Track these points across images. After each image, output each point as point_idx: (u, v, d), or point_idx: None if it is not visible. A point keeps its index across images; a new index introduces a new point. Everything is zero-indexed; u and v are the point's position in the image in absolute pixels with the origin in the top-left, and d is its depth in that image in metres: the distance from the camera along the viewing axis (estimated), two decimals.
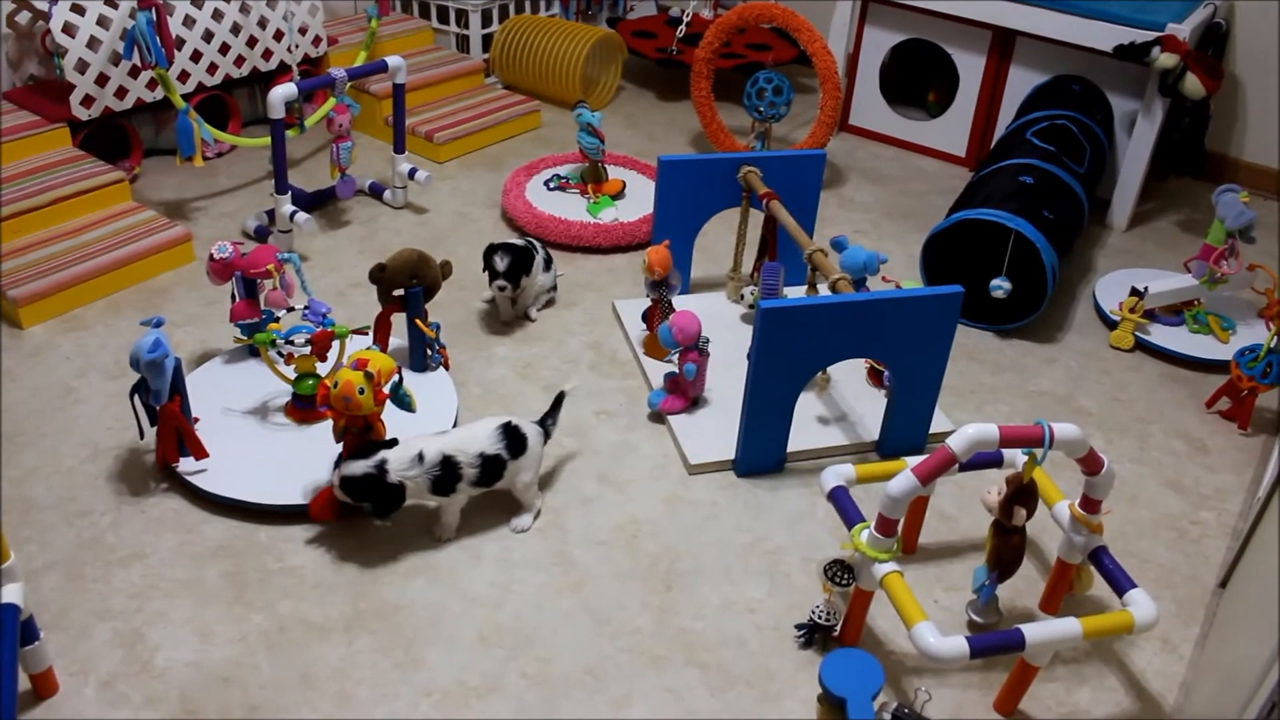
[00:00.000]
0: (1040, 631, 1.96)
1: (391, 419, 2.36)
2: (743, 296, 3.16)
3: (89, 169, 3.34)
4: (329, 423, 2.37)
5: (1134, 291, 3.24)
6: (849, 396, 2.85)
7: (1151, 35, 3.62)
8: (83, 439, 2.57)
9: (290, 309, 2.67)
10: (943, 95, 4.39)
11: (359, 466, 2.23)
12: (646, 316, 2.97)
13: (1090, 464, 2.04)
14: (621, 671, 2.11)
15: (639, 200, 3.63)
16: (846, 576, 2.12)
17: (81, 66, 3.36)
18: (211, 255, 2.61)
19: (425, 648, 2.13)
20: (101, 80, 3.43)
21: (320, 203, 3.60)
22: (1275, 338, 2.86)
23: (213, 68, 3.71)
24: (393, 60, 3.46)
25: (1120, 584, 2.11)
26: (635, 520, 2.46)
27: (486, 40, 4.64)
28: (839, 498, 2.20)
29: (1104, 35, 3.74)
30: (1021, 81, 4.08)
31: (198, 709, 1.98)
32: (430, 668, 2.09)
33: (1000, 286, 3.13)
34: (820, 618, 2.17)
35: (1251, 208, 3.12)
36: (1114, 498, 2.56)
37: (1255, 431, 2.94)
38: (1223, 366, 3.05)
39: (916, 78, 4.55)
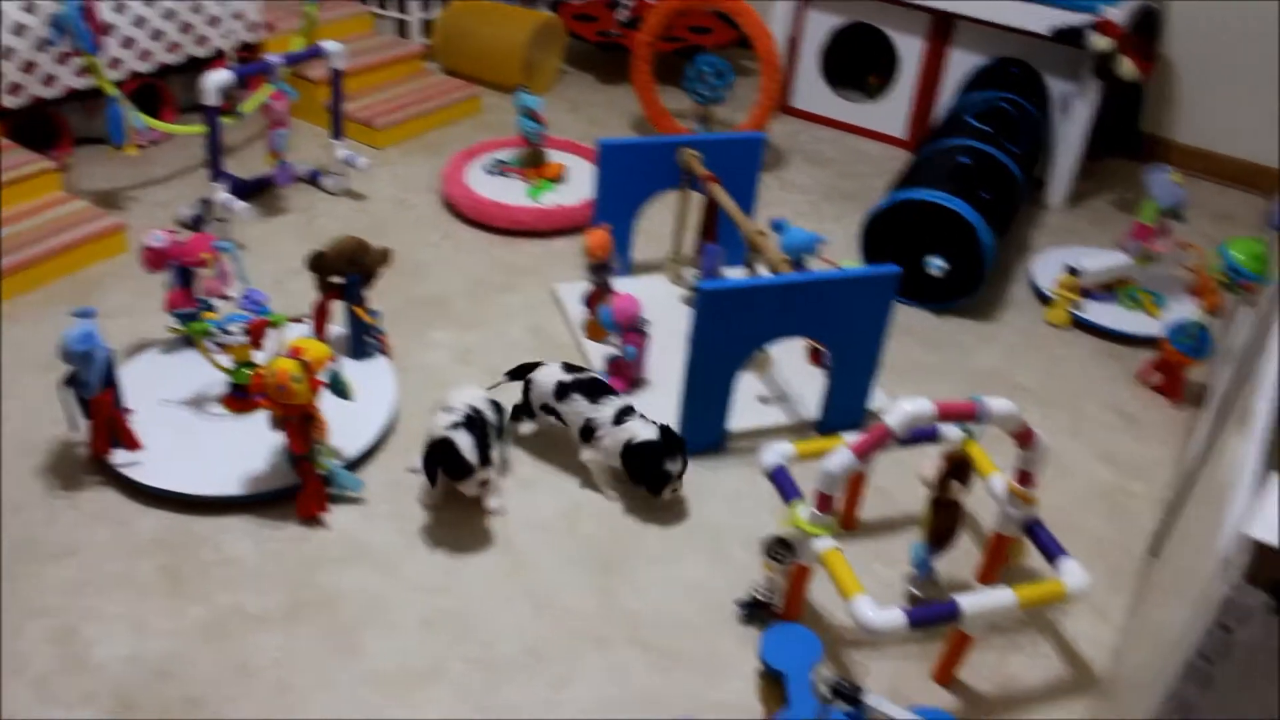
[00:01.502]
0: (976, 602, 1.99)
1: (328, 405, 2.34)
2: (682, 278, 3.17)
3: (18, 158, 3.27)
4: (267, 412, 2.35)
5: (1069, 269, 3.29)
6: (789, 376, 2.86)
7: (1088, 19, 3.67)
8: (13, 433, 2.52)
9: (227, 298, 2.63)
10: (883, 78, 4.42)
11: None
12: (587, 300, 2.97)
13: (1024, 438, 2.07)
14: (563, 653, 2.12)
15: (580, 184, 3.63)
16: (786, 553, 2.13)
17: (7, 53, 3.29)
18: (146, 244, 2.57)
19: (365, 635, 2.12)
20: (29, 67, 3.36)
21: (257, 190, 3.55)
22: (1204, 313, 2.91)
23: (145, 54, 3.65)
24: (330, 45, 3.42)
25: (1053, 554, 2.14)
26: (576, 503, 2.46)
27: (427, 25, 4.60)
28: (778, 475, 2.22)
29: (1041, 18, 3.78)
30: (960, 64, 4.12)
31: (134, 705, 1.95)
32: (371, 655, 2.08)
33: (936, 264, 3.16)
34: (761, 595, 2.19)
35: (1183, 187, 3.17)
36: (1048, 470, 2.60)
37: (1185, 405, 2.99)
38: (1154, 342, 3.10)
39: (857, 61, 4.57)
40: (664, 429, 2.41)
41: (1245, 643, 1.16)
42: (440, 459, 2.28)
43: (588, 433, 2.45)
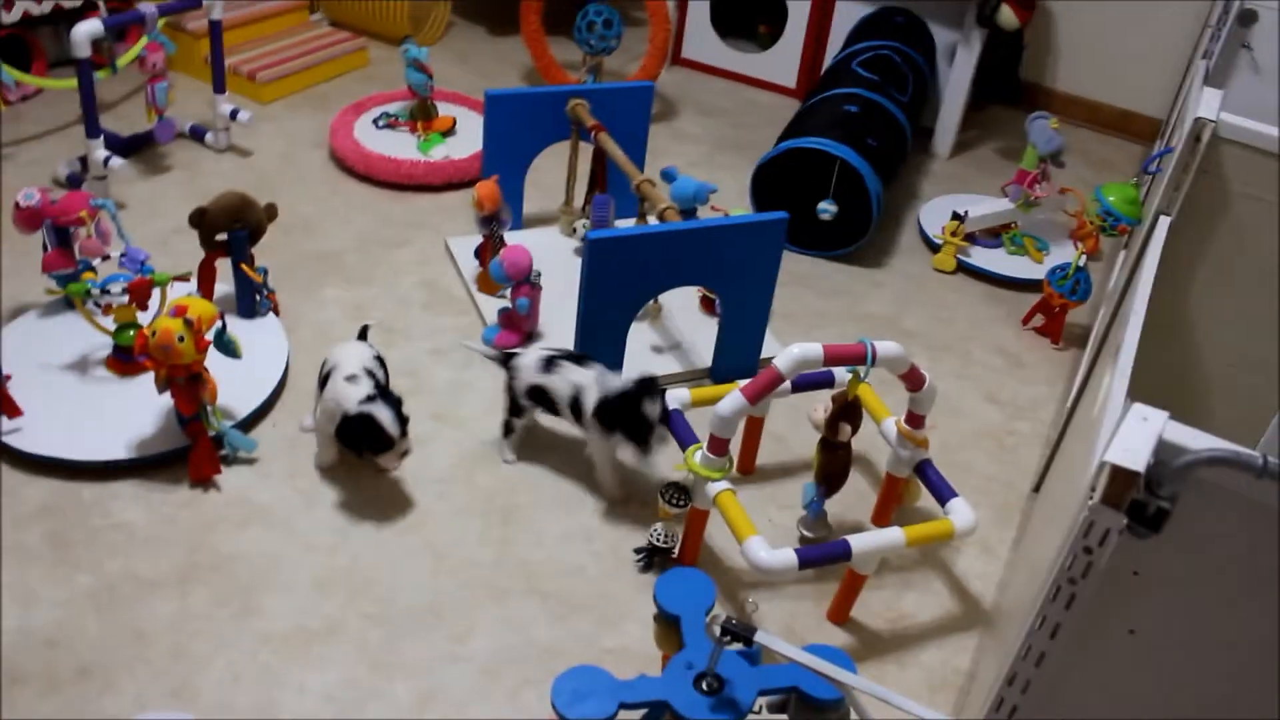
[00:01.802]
0: (865, 541, 2.05)
1: (218, 366, 2.30)
2: (575, 230, 3.17)
3: None
4: (153, 374, 2.30)
5: (955, 216, 3.36)
6: (682, 325, 2.89)
7: None
8: None
9: (107, 257, 2.56)
10: (773, 28, 4.44)
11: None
12: (479, 252, 2.95)
13: (912, 380, 2.13)
14: (462, 605, 2.13)
15: (470, 137, 3.59)
16: (682, 498, 2.16)
17: None
18: (17, 203, 2.48)
19: (262, 595, 2.10)
20: None
21: (137, 147, 3.45)
22: (1083, 256, 3.01)
23: (9, 3, 3.49)
24: None
25: (942, 494, 2.21)
26: (472, 456, 2.47)
27: None
28: (673, 421, 2.24)
29: None
30: (848, 13, 4.15)
31: (23, 677, 1.91)
32: (268, 615, 2.07)
33: (827, 209, 3.20)
34: (658, 540, 2.22)
35: (1061, 134, 3.25)
36: (937, 411, 2.67)
37: (1066, 345, 3.09)
38: (1037, 285, 3.19)
39: (747, 11, 4.58)
40: (640, 379, 2.29)
41: (1105, 563, 1.22)
42: (362, 435, 2.23)
43: (576, 405, 2.34)
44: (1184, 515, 1.20)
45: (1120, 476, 1.17)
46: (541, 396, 2.39)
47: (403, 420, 2.24)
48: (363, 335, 2.50)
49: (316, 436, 2.40)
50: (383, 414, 2.21)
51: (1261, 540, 1.21)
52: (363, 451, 2.26)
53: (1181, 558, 1.25)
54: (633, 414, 2.26)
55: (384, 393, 2.28)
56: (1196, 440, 1.19)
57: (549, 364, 2.38)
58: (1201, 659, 1.32)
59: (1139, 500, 1.19)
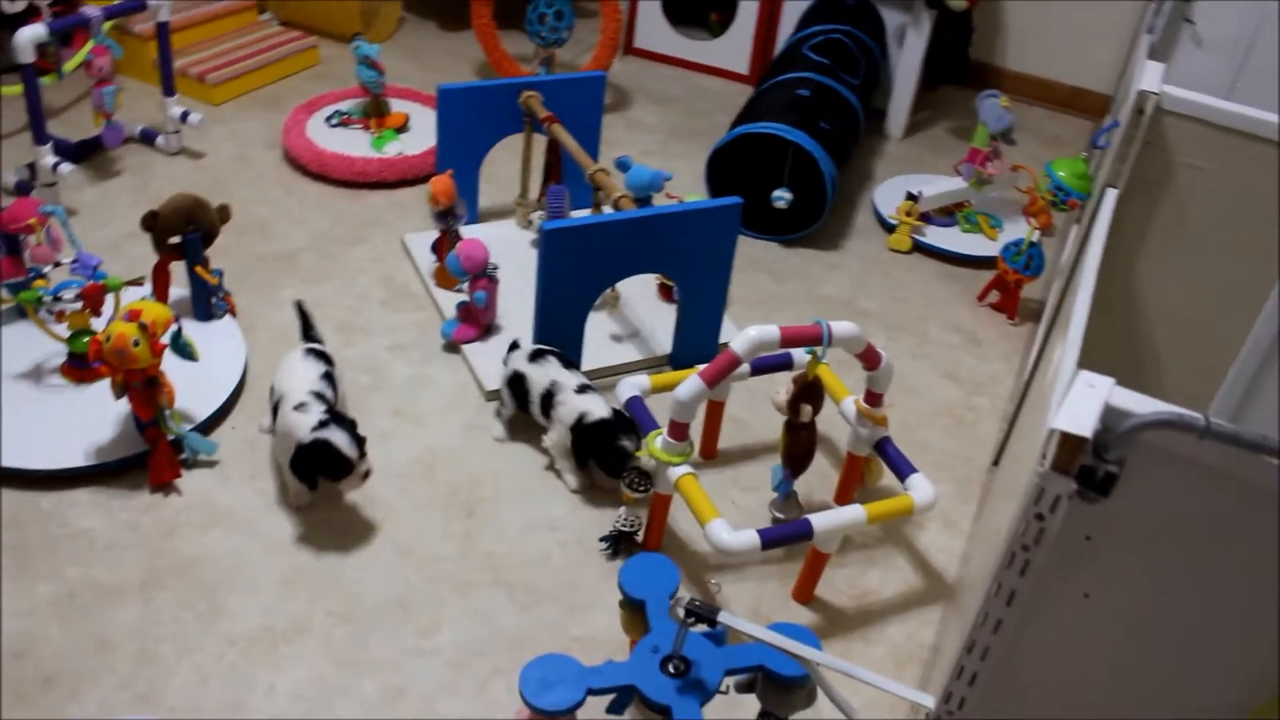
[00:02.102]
0: (827, 520, 2.07)
1: (175, 370, 2.29)
2: (531, 222, 3.17)
3: None
4: (109, 379, 2.28)
5: (909, 196, 3.39)
6: (640, 313, 2.90)
7: None
8: None
9: (58, 264, 2.54)
10: (724, 15, 4.44)
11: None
12: (435, 247, 2.95)
13: (869, 359, 2.14)
14: (428, 600, 2.13)
15: (424, 133, 3.58)
16: (644, 483, 2.17)
17: None
18: None
19: (227, 597, 2.09)
20: None
21: (87, 153, 3.41)
22: (1036, 232, 3.04)
23: None
24: None
25: (902, 470, 2.23)
26: (433, 451, 2.46)
27: None
28: (634, 407, 2.26)
29: None
30: None
31: None
32: (234, 616, 2.06)
33: (782, 197, 3.22)
34: (624, 526, 2.23)
35: (1011, 112, 3.28)
36: (896, 390, 2.69)
37: (1022, 321, 3.13)
38: (992, 262, 3.22)
39: None
40: (616, 411, 2.34)
41: (1057, 529, 1.24)
42: (319, 465, 2.14)
43: (548, 398, 2.37)
44: (1132, 479, 1.22)
45: (1069, 443, 1.18)
46: (519, 386, 2.42)
47: (359, 441, 2.16)
48: (307, 333, 2.46)
49: (276, 475, 2.34)
50: (337, 437, 2.13)
51: (1207, 501, 1.23)
52: (318, 482, 2.18)
53: (1132, 521, 1.27)
54: (610, 443, 2.29)
55: (335, 415, 2.19)
56: (1142, 405, 1.21)
57: (538, 355, 2.43)
58: (1154, 620, 1.34)
59: (1088, 466, 1.21)
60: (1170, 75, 2.26)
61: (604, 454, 2.31)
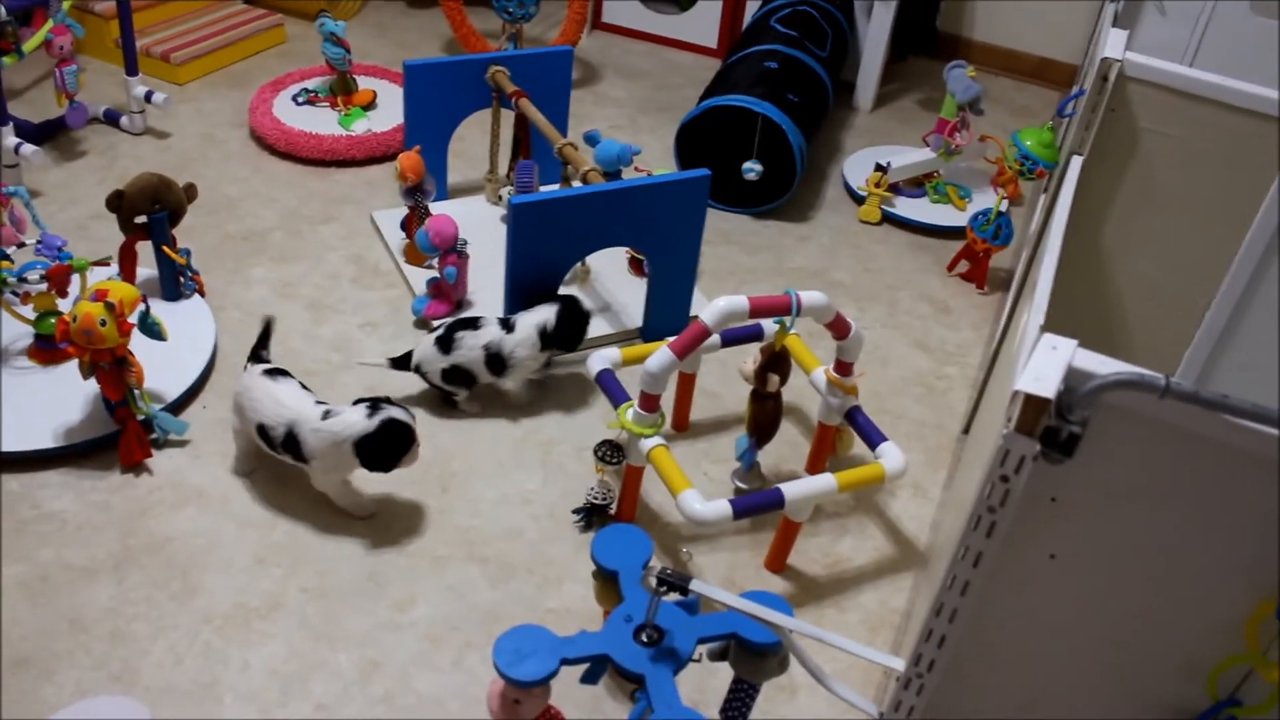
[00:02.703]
0: (798, 488, 2.07)
1: (143, 349, 2.28)
2: (500, 197, 3.16)
3: None
4: (77, 360, 2.26)
5: (878, 167, 3.40)
6: (611, 287, 2.90)
7: None
8: None
9: (22, 244, 2.51)
10: None
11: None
12: (404, 224, 2.94)
13: (839, 328, 2.15)
14: (402, 575, 2.13)
15: (391, 110, 3.55)
16: (616, 455, 2.18)
17: None
18: None
19: (201, 575, 2.09)
20: None
21: (50, 134, 3.38)
22: (1004, 202, 3.05)
23: None
24: None
25: (872, 439, 2.24)
26: None
27: None
28: (605, 380, 2.26)
29: None
30: None
31: None
32: (208, 594, 2.06)
33: (752, 169, 3.22)
34: (596, 498, 2.24)
35: (978, 82, 3.29)
36: (867, 360, 2.72)
37: (991, 290, 3.15)
38: (961, 232, 3.23)
39: None
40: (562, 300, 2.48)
41: (1022, 490, 1.25)
42: (395, 444, 2.12)
43: (497, 362, 2.42)
44: (1096, 440, 1.24)
45: (1032, 404, 1.20)
46: (460, 375, 2.44)
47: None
48: (260, 351, 2.32)
49: (332, 490, 2.23)
50: (396, 413, 2.12)
51: (1171, 460, 1.25)
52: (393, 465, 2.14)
53: (1096, 481, 1.28)
54: (569, 328, 2.46)
55: (374, 400, 2.15)
56: (1104, 366, 1.22)
57: (445, 342, 2.43)
58: (1120, 579, 1.36)
59: (1051, 426, 1.22)
60: (1134, 43, 2.27)
61: (575, 327, 2.48)
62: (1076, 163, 2.18)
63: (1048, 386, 1.20)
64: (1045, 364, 1.23)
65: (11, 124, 3.05)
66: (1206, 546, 1.29)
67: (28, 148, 3.04)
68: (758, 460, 2.33)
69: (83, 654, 1.93)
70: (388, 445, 2.12)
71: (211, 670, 1.93)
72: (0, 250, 2.49)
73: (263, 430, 2.17)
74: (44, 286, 2.39)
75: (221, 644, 1.97)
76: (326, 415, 2.13)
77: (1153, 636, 1.39)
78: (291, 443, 2.14)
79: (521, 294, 2.50)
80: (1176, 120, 2.18)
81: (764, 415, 2.22)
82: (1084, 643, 1.43)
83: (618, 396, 2.21)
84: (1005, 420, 1.24)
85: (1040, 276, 1.76)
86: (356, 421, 2.11)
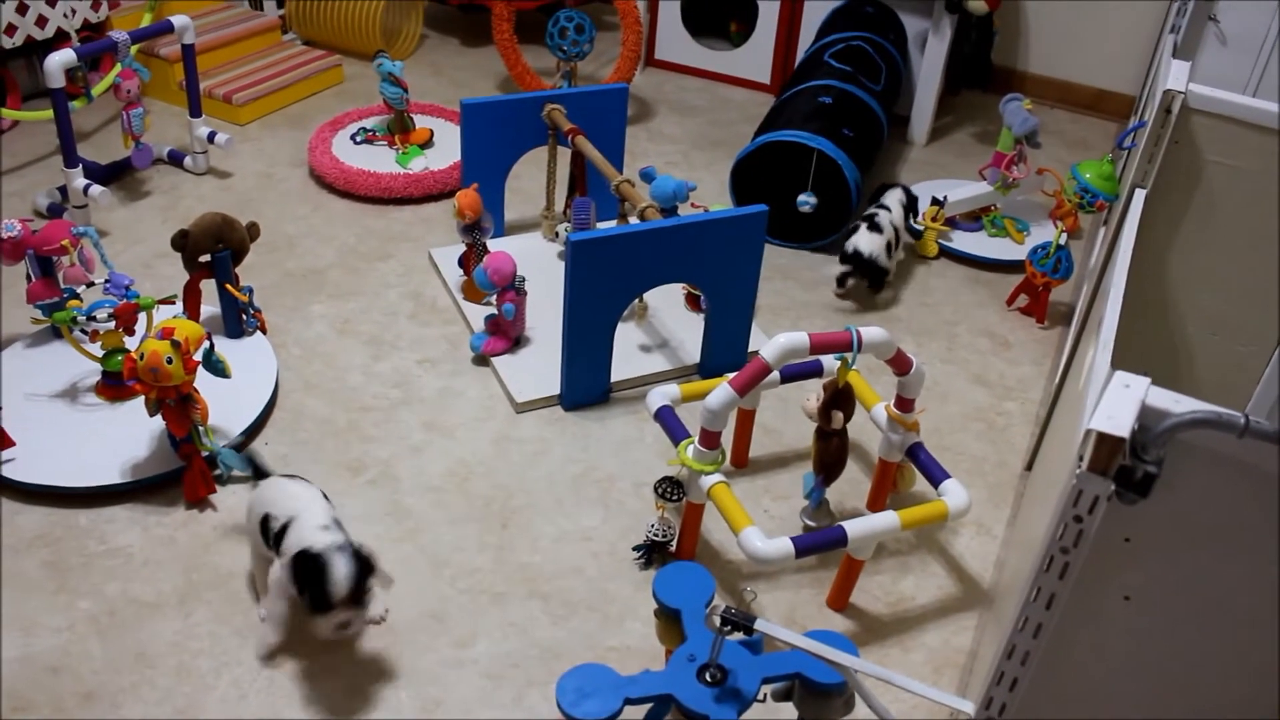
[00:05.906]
0: (860, 526, 2.06)
1: (208, 387, 2.31)
2: (557, 234, 3.18)
3: None
4: (144, 397, 2.30)
5: (935, 201, 3.38)
6: (668, 323, 2.90)
7: None
8: None
9: (91, 284, 2.57)
10: (744, 25, 4.45)
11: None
12: (462, 261, 2.96)
13: (900, 364, 2.14)
14: (464, 611, 2.13)
15: (449, 148, 3.60)
16: (676, 492, 2.17)
17: None
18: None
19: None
20: None
21: (117, 175, 3.45)
22: (1063, 235, 3.02)
23: (10, 29, 3.49)
24: (178, 20, 3.32)
25: (935, 476, 2.22)
26: (465, 463, 2.47)
27: None
28: (665, 416, 2.25)
29: None
30: (818, 7, 4.17)
31: (27, 705, 1.91)
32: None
33: (807, 201, 3.22)
34: (656, 535, 2.23)
35: (1035, 115, 3.27)
36: (927, 396, 2.69)
37: (1052, 324, 3.11)
38: (1020, 266, 3.21)
39: (718, 9, 4.60)
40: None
41: (1096, 531, 1.23)
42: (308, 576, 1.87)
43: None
44: (1171, 479, 1.22)
45: (1106, 443, 1.18)
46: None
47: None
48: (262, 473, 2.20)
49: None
50: (323, 543, 1.89)
51: (1248, 500, 1.22)
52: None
53: (1171, 521, 1.26)
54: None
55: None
56: (1179, 404, 1.21)
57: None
58: (1196, 621, 1.33)
59: (1126, 466, 1.20)
60: (1195, 74, 2.25)
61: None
62: (1139, 196, 2.15)
63: (1122, 426, 1.18)
64: (1118, 402, 1.22)
65: (80, 166, 3.12)
66: None
67: (96, 189, 3.11)
68: (826, 498, 2.31)
69: (148, 688, 1.95)
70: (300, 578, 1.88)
71: (274, 706, 1.94)
72: (70, 289, 2.55)
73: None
74: (112, 325, 2.43)
75: (284, 680, 1.98)
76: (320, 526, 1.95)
77: (1230, 679, 1.36)
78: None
79: (580, 330, 2.51)
80: (1241, 152, 2.15)
81: (829, 453, 2.21)
82: (1159, 686, 1.40)
83: (677, 433, 2.20)
84: (1077, 460, 1.22)
85: (1106, 312, 1.74)
86: (293, 545, 1.91)
